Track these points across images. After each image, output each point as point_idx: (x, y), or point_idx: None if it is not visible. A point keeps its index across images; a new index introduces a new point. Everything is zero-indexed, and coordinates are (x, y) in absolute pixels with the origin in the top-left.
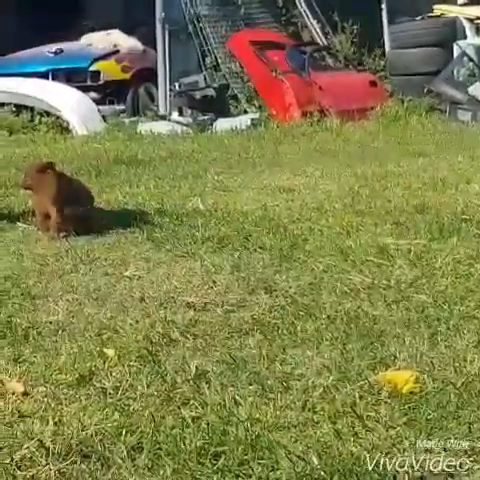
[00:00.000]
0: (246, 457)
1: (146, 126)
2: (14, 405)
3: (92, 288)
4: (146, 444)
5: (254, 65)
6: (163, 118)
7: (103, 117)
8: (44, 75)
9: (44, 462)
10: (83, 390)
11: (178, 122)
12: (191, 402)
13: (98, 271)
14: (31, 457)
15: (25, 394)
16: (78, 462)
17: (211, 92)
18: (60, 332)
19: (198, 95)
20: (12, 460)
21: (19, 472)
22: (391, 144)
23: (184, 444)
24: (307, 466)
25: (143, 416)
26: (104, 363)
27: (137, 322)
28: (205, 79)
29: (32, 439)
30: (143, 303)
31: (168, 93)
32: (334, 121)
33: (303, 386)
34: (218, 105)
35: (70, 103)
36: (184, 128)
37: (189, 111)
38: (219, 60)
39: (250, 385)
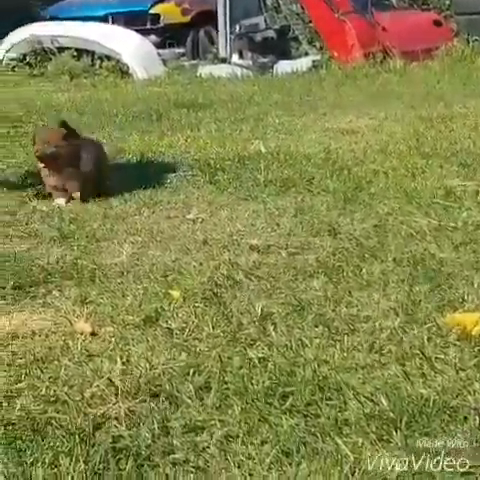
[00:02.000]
0: (314, 398)
1: (206, 69)
2: (82, 345)
3: (155, 231)
4: (214, 384)
5: (316, 6)
6: (223, 61)
7: (163, 61)
8: (104, 19)
9: (114, 400)
10: (150, 331)
11: (238, 65)
12: (257, 343)
13: (161, 214)
14: (101, 395)
15: (93, 334)
16: (147, 401)
17: (272, 34)
18: (125, 274)
19: (259, 37)
20: (83, 398)
21: (90, 409)
22: (456, 85)
23: (252, 384)
24: (376, 407)
25: (210, 356)
26: (170, 304)
27: (201, 264)
28: (266, 21)
29: (101, 378)
30: (206, 245)
31: (228, 36)
32: (397, 62)
33: (370, 328)
34: (279, 47)
35: (130, 47)
36: (244, 71)
37: (249, 54)
38: (280, 1)
39: (316, 327)
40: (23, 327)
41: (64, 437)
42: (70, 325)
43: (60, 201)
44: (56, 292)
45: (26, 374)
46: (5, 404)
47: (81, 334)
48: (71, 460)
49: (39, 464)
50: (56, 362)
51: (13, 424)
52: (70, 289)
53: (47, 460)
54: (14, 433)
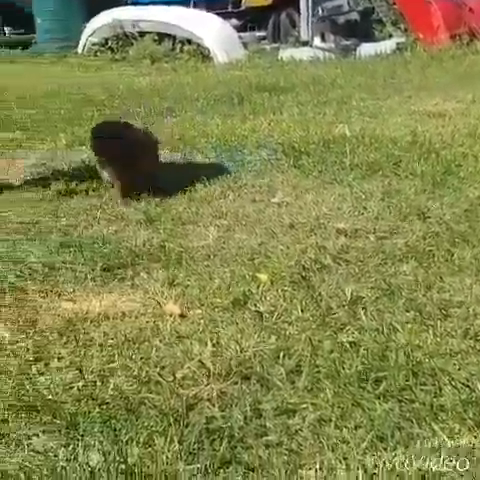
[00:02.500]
0: (408, 383)
1: (287, 52)
2: (172, 326)
3: (241, 214)
4: (305, 367)
5: None
6: (305, 44)
7: (244, 44)
8: (185, 3)
9: (205, 382)
10: (238, 313)
11: (320, 48)
12: (347, 327)
13: (246, 198)
14: (192, 376)
15: (182, 316)
16: (238, 383)
17: (355, 16)
18: (212, 257)
19: (341, 19)
20: (175, 379)
21: (182, 390)
22: None
23: (343, 368)
24: (472, 394)
25: (300, 340)
26: (257, 287)
27: (288, 248)
28: (349, 3)
29: (192, 359)
30: (293, 229)
31: (310, 18)
32: None
33: (463, 314)
34: (362, 29)
35: (211, 31)
36: (326, 54)
37: (332, 36)
38: None
39: (407, 312)
40: (113, 308)
41: (158, 417)
42: (159, 307)
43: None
44: (144, 274)
45: (118, 354)
46: (99, 383)
47: (170, 316)
48: (165, 440)
49: (134, 443)
50: (147, 343)
51: (107, 403)
52: (158, 271)
53: (142, 439)
54: (109, 412)
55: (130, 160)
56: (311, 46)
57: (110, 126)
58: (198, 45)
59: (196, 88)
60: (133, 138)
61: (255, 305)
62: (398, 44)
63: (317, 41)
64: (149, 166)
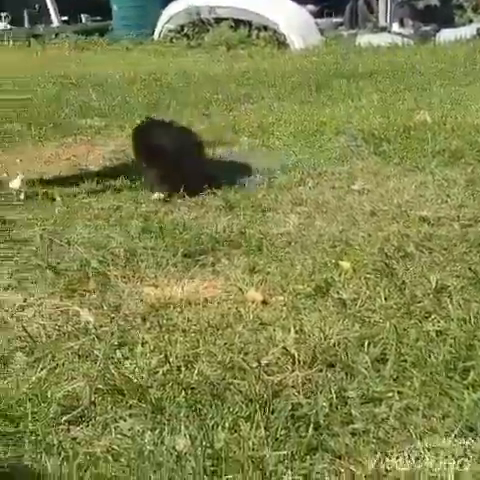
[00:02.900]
0: None
1: (365, 38)
2: (255, 313)
3: (321, 201)
4: (390, 355)
5: None
6: (383, 30)
7: (320, 30)
8: None
9: (290, 368)
10: (321, 301)
11: (399, 34)
12: (433, 316)
13: (326, 185)
14: (277, 363)
15: (264, 303)
16: (323, 370)
17: (434, 1)
18: (292, 244)
19: (420, 5)
20: (259, 365)
21: (266, 376)
22: None
23: (430, 357)
24: None
25: (384, 328)
26: (340, 275)
27: (370, 235)
28: None
29: (276, 346)
30: (374, 217)
31: (389, 4)
32: None
33: None
34: (441, 15)
35: (287, 17)
36: (405, 40)
37: (411, 22)
38: None
39: None
40: (195, 294)
41: (243, 403)
42: (241, 293)
43: (156, 196)
44: (225, 260)
45: (201, 340)
46: (183, 369)
47: (252, 302)
48: (252, 425)
49: (220, 428)
50: (230, 329)
51: (192, 388)
52: (238, 258)
53: (227, 425)
54: (194, 397)
55: (171, 163)
56: (389, 32)
57: (153, 127)
58: (274, 31)
59: (273, 74)
60: (174, 141)
61: (338, 292)
62: (478, 30)
63: (396, 27)
64: (191, 167)
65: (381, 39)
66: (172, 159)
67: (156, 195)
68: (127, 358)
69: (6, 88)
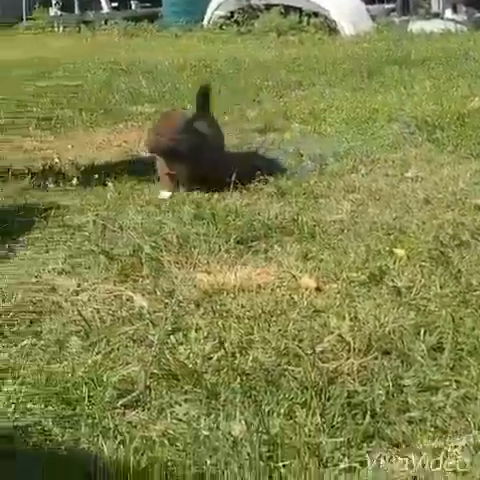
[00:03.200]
0: None
1: (417, 25)
2: (308, 300)
3: (374, 188)
4: (447, 344)
5: None
6: (436, 16)
7: (372, 16)
8: None
9: (345, 356)
10: (375, 288)
11: (452, 20)
12: None
13: (379, 172)
14: (332, 350)
15: (318, 290)
16: (379, 358)
17: None
18: (345, 231)
19: None
20: (314, 352)
21: (321, 364)
22: None
23: None
24: None
25: (440, 316)
26: (394, 263)
27: (424, 223)
28: None
29: (331, 333)
30: (428, 204)
31: None
32: None
33: None
34: None
35: (338, 3)
36: (458, 26)
37: (464, 8)
38: None
39: None
40: (248, 281)
41: (298, 389)
42: (294, 280)
43: (164, 195)
44: (277, 247)
45: (255, 327)
46: (238, 355)
47: (306, 289)
48: (307, 412)
49: (275, 414)
50: (284, 316)
51: (247, 374)
52: (291, 245)
53: (283, 411)
54: (249, 383)
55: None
56: (442, 18)
57: (173, 120)
58: (325, 18)
59: (323, 61)
60: (195, 135)
61: (392, 280)
62: None
63: (448, 13)
64: (210, 162)
65: (434, 25)
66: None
67: (163, 194)
68: (181, 343)
69: (57, 74)
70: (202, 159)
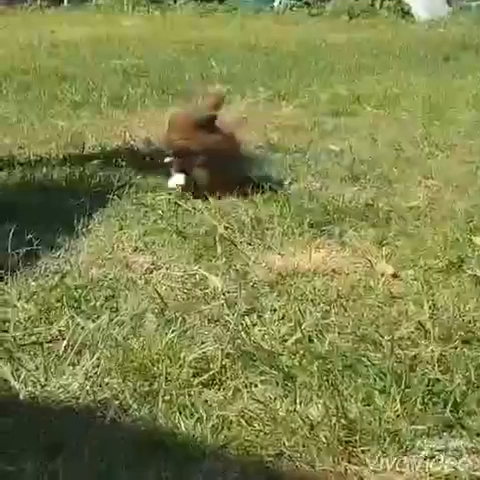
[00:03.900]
0: None
1: None
2: (385, 286)
3: (451, 175)
4: None
5: None
6: None
7: (447, 1)
8: None
9: (425, 343)
10: (454, 277)
11: None
12: None
13: (455, 158)
14: (410, 337)
15: (394, 276)
16: (459, 347)
17: None
18: (422, 217)
19: None
20: (392, 338)
21: (399, 350)
22: None
23: None
24: None
25: None
26: (473, 251)
27: None
28: None
29: (409, 320)
30: None
31: None
32: None
33: None
34: None
35: None
36: None
37: None
38: None
39: None
40: (323, 265)
41: (377, 375)
42: (370, 265)
43: (173, 183)
44: (352, 232)
45: (331, 311)
46: (314, 338)
47: (382, 275)
48: (387, 399)
49: (353, 399)
50: (360, 301)
51: (324, 358)
52: (366, 229)
53: (361, 396)
54: (326, 367)
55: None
56: None
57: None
58: (398, 1)
59: (397, 45)
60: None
61: (471, 269)
62: None
63: None
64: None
65: None
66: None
67: (173, 182)
68: (255, 325)
69: (128, 53)
70: (224, 161)
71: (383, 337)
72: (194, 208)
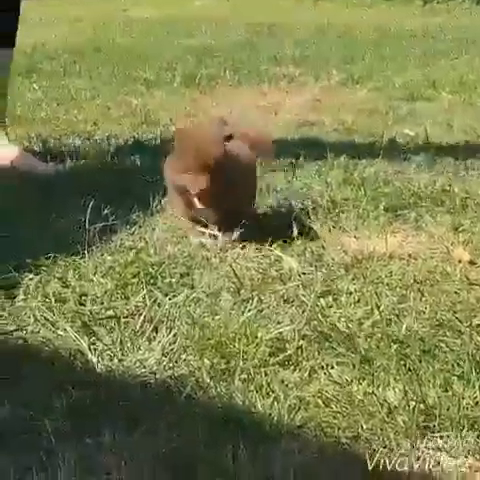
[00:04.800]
0: None
1: None
2: (462, 272)
3: None
4: None
5: None
6: None
7: None
8: None
9: None
10: None
11: None
12: None
13: None
14: None
15: (471, 263)
16: None
17: None
18: None
19: None
20: (470, 325)
21: (479, 337)
22: None
23: None
24: None
25: None
26: None
27: None
28: None
29: None
30: None
31: None
32: None
33: None
34: None
35: None
36: None
37: None
38: None
39: None
40: (399, 249)
41: (455, 361)
42: (447, 251)
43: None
44: (428, 217)
45: (408, 295)
46: (391, 322)
47: (459, 262)
48: (465, 385)
49: (431, 385)
50: (437, 287)
51: (401, 342)
52: (442, 215)
53: (439, 382)
54: (403, 351)
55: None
56: None
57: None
58: None
59: (473, 31)
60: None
61: None
62: None
63: None
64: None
65: None
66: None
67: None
68: (331, 307)
69: (200, 34)
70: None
71: (462, 323)
72: (267, 188)
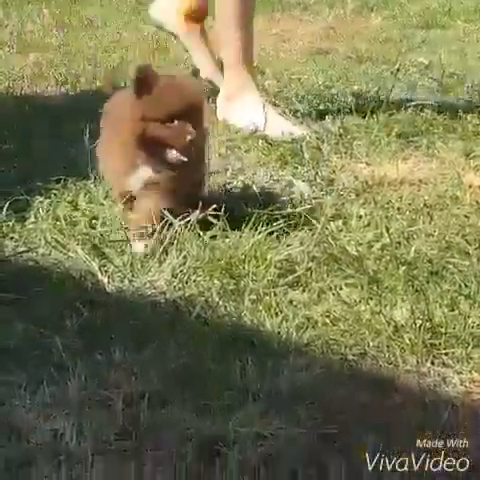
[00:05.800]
0: None
1: None
2: (472, 197)
3: None
4: None
5: None
6: None
7: None
8: None
9: None
10: None
11: None
12: None
13: None
14: None
15: None
16: None
17: None
18: None
19: None
20: (479, 247)
21: None
22: None
23: None
24: None
25: None
26: None
27: None
28: None
29: None
30: None
31: None
32: None
33: None
34: None
35: None
36: None
37: None
38: None
39: None
40: (410, 175)
41: (462, 282)
42: (458, 177)
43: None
44: (439, 143)
45: (417, 219)
46: (400, 245)
47: (469, 187)
48: (472, 305)
49: (438, 304)
50: (446, 211)
51: (409, 264)
52: (453, 142)
53: (446, 302)
54: (411, 273)
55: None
56: None
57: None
58: None
59: None
60: None
61: None
62: None
63: None
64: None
65: None
66: None
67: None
68: (341, 230)
69: None
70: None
71: (470, 245)
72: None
